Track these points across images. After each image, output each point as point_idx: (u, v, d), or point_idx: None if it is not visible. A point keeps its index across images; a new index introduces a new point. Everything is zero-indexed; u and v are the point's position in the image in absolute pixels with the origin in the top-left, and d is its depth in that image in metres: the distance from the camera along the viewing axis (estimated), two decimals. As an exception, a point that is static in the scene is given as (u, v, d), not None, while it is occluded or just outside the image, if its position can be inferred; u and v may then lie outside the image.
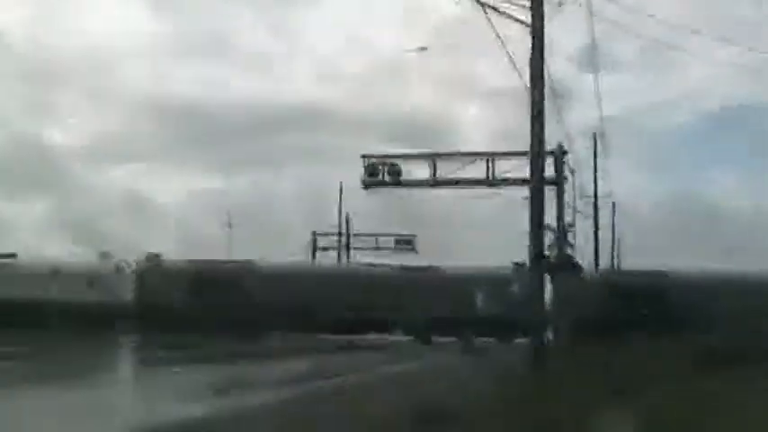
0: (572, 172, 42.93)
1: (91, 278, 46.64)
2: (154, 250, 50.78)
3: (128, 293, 47.64)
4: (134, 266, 49.42)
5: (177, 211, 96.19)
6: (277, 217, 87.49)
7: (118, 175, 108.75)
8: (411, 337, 45.89)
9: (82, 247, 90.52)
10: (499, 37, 20.51)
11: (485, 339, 41.53)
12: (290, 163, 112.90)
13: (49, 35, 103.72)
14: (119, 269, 48.97)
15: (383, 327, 46.48)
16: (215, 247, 65.61)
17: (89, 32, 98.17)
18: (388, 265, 51.12)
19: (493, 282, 46.28)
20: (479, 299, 46.30)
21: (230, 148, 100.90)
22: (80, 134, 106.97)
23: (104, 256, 50.13)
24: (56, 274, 45.86)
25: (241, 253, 55.22)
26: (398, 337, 46.07)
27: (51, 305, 42.65)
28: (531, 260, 20.94)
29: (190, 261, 49.40)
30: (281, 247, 64.28)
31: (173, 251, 56.04)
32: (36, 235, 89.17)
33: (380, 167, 39.64)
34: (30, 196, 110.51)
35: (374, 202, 59.58)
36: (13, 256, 48.81)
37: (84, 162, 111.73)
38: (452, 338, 42.92)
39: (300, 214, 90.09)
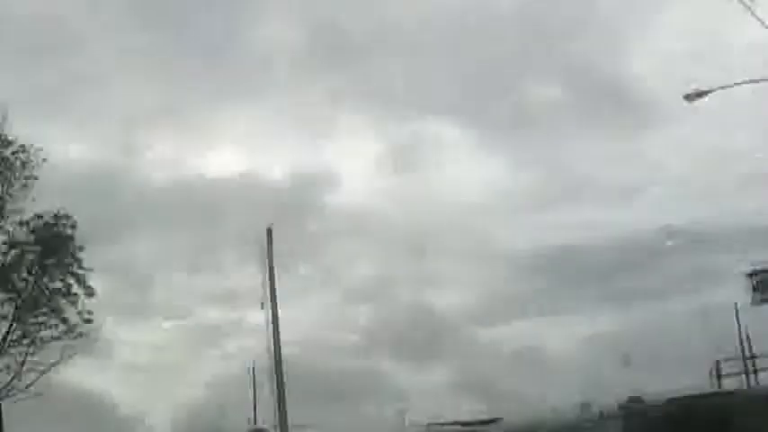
0: None
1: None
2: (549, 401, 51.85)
3: None
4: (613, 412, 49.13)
5: (570, 359, 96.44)
6: (670, 347, 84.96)
7: (507, 331, 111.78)
8: None
9: (484, 406, 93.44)
10: None
11: None
12: (672, 290, 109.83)
13: (416, 205, 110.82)
14: (602, 416, 48.92)
15: None
16: (614, 387, 65.19)
17: (452, 196, 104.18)
18: None
19: None
20: None
21: (610, 286, 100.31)
22: (464, 297, 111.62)
23: (585, 406, 51.23)
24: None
25: (641, 388, 54.67)
26: None
27: None
28: None
29: (668, 400, 49.03)
30: (680, 378, 62.22)
31: (569, 398, 56.81)
32: (444, 398, 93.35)
33: (769, 281, 38.29)
34: (431, 361, 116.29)
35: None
36: (497, 420, 51.15)
37: (472, 324, 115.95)
38: None
39: (693, 341, 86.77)
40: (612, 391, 62.19)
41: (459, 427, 50.73)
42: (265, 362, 34.77)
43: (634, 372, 65.56)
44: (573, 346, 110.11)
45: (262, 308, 33.69)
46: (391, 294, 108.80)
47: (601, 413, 49.27)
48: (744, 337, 63.83)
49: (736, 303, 62.01)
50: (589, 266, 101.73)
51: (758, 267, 39.79)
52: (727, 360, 63.88)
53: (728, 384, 61.94)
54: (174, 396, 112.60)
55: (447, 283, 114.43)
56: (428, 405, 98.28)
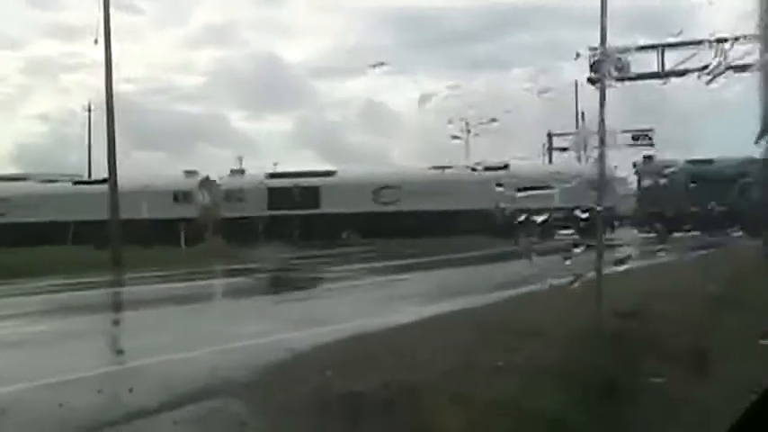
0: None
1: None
2: (391, 159, 52.05)
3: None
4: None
5: (413, 119, 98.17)
6: (510, 118, 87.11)
7: (353, 87, 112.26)
8: None
9: (327, 160, 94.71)
10: None
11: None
12: (518, 62, 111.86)
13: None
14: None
15: None
16: (452, 153, 66.80)
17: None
18: None
19: None
20: None
21: (460, 51, 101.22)
22: (312, 48, 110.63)
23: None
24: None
25: (478, 157, 55.89)
26: None
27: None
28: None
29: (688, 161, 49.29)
30: (518, 148, 64.15)
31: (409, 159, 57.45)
32: (286, 150, 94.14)
33: (605, 62, 38.76)
34: (273, 114, 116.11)
35: (609, 99, 58.08)
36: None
37: (318, 77, 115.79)
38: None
39: (536, 114, 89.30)
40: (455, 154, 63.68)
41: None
42: (103, 99, 33.30)
43: (472, 138, 67.18)
44: (414, 105, 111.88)
45: (96, 44, 31.81)
46: (238, 40, 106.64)
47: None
48: (579, 113, 65.99)
49: (576, 81, 63.52)
50: (439, 28, 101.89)
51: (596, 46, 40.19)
52: (559, 135, 66.11)
53: (561, 158, 64.35)
54: (10, 130, 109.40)
55: (297, 33, 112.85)
56: (268, 154, 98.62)
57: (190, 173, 49.12)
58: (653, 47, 39.26)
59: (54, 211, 45.83)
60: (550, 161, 63.10)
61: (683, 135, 59.04)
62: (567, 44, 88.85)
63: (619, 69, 40.35)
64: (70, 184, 48.73)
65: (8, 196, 49.13)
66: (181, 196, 47.09)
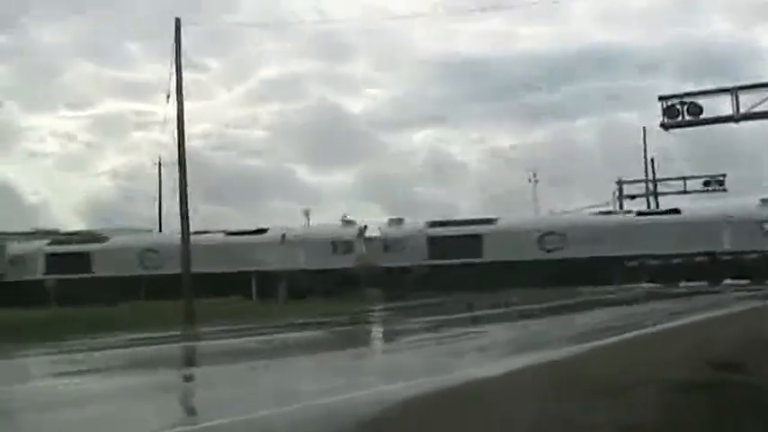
0: None
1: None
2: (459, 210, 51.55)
3: None
4: None
5: (479, 169, 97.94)
6: (578, 167, 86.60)
7: (417, 139, 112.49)
8: None
9: (393, 211, 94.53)
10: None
11: None
12: (586, 110, 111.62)
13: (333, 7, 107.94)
14: None
15: None
16: (521, 202, 66.63)
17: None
18: None
19: None
20: None
21: (524, 101, 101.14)
22: (373, 102, 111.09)
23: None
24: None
25: (548, 206, 55.69)
26: None
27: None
28: None
29: None
30: (585, 197, 63.82)
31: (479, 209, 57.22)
32: (353, 201, 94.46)
33: (679, 107, 38.11)
34: (338, 166, 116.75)
35: (677, 144, 57.62)
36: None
37: (380, 129, 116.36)
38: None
39: (602, 162, 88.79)
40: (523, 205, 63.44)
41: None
42: (171, 155, 33.77)
43: (539, 188, 67.02)
44: (480, 155, 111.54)
45: (167, 101, 32.36)
46: (302, 94, 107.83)
47: None
48: (648, 159, 65.34)
49: (644, 128, 63.08)
50: (505, 79, 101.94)
51: (672, 92, 39.51)
52: (631, 182, 65.31)
53: (631, 205, 63.54)
54: (79, 184, 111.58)
55: (359, 85, 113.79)
56: (335, 206, 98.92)
57: (348, 222, 49.18)
58: (726, 90, 38.36)
59: (236, 261, 45.82)
60: (621, 207, 62.29)
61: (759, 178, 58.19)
62: (632, 92, 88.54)
63: (692, 114, 39.59)
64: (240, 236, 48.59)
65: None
66: (340, 246, 47.00)
